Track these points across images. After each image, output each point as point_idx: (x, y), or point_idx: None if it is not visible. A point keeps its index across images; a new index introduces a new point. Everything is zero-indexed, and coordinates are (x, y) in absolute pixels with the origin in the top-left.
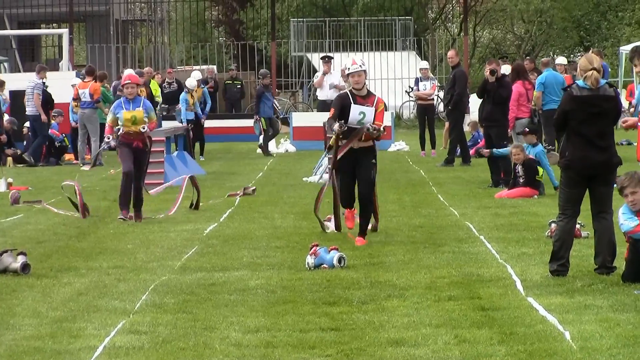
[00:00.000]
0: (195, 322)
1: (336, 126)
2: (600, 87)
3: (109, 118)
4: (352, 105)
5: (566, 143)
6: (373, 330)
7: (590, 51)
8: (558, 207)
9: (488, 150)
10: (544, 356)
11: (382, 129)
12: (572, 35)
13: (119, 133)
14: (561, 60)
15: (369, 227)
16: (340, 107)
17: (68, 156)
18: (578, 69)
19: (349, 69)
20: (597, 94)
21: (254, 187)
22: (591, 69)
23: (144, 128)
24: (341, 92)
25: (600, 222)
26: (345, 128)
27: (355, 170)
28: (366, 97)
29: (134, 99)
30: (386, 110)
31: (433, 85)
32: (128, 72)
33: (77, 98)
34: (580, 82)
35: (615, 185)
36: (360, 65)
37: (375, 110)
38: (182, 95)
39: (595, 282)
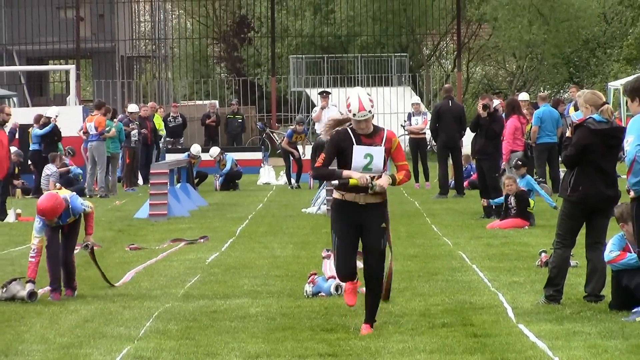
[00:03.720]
0: (198, 348)
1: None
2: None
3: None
4: (355, 147)
5: (579, 177)
6: (369, 355)
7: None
8: (556, 235)
9: (486, 201)
10: None
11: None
12: (562, 71)
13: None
14: (523, 96)
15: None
16: (338, 151)
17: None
18: (584, 104)
19: (355, 114)
20: (613, 126)
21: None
22: (603, 103)
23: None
24: (339, 128)
25: (594, 252)
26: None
27: (360, 234)
28: (373, 135)
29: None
30: None
31: (425, 119)
32: (41, 204)
33: (86, 132)
34: (596, 116)
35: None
36: (369, 111)
37: (390, 149)
38: None
39: (583, 309)
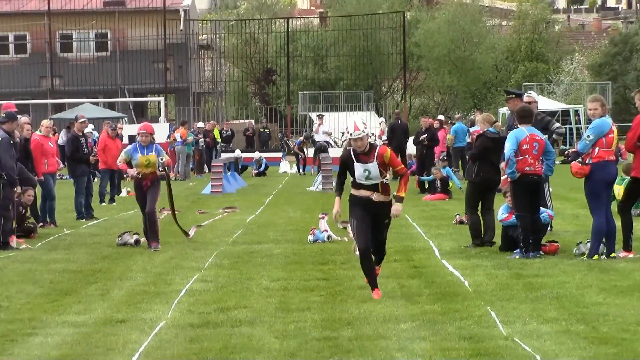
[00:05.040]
0: (242, 275)
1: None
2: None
3: (121, 157)
4: (355, 165)
5: (480, 167)
6: (348, 280)
7: (478, 112)
8: (466, 206)
9: (418, 177)
10: (452, 296)
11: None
12: (469, 101)
13: (135, 174)
14: (440, 117)
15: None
16: (346, 164)
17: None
18: (482, 122)
19: (351, 134)
20: (500, 136)
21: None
22: (495, 122)
23: (162, 159)
24: (344, 151)
25: (488, 214)
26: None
27: (371, 220)
28: (368, 154)
29: (147, 145)
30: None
31: (382, 130)
32: (144, 123)
33: (174, 139)
34: (491, 129)
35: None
36: (362, 131)
37: (383, 162)
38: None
39: (483, 251)
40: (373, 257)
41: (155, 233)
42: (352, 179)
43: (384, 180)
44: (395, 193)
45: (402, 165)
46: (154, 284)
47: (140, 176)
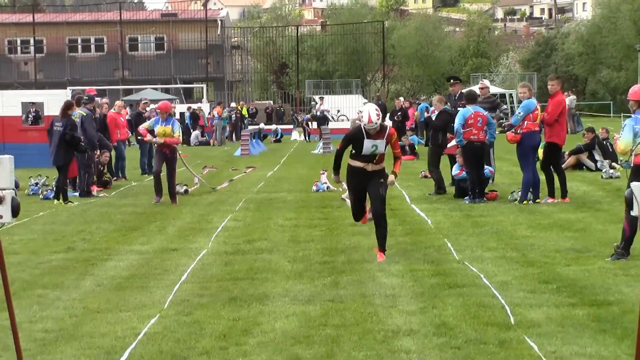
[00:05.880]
0: (263, 215)
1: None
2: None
3: (146, 124)
4: (365, 140)
5: (443, 135)
6: (342, 219)
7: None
8: (429, 165)
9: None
10: (419, 231)
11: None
12: (431, 87)
13: (152, 140)
14: (401, 100)
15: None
16: (353, 140)
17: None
18: (437, 102)
19: (365, 125)
20: (453, 112)
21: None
22: (446, 102)
23: (175, 132)
24: (356, 125)
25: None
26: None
27: (366, 188)
28: (379, 133)
29: (167, 119)
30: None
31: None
32: (163, 102)
33: (214, 116)
34: (447, 107)
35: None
36: (375, 122)
37: (390, 141)
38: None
39: (441, 199)
40: (377, 218)
41: (159, 188)
42: (352, 151)
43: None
44: (393, 169)
45: (399, 150)
46: (198, 222)
47: (161, 141)
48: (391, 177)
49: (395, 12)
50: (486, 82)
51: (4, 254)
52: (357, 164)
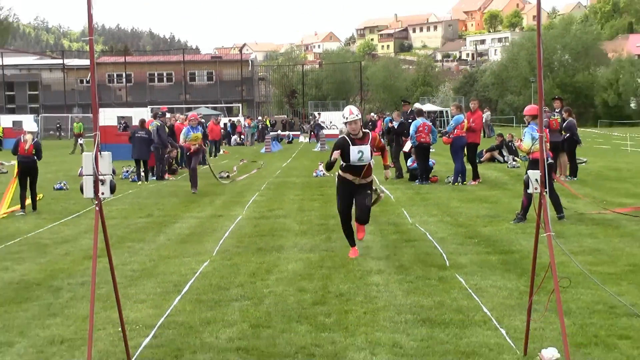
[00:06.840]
0: (277, 195)
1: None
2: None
3: (182, 139)
4: (351, 147)
5: (398, 139)
6: (334, 196)
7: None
8: (391, 158)
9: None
10: (385, 202)
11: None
12: (393, 107)
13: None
14: (373, 115)
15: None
16: (342, 147)
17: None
18: (396, 116)
19: (347, 118)
20: (407, 123)
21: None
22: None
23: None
24: (340, 136)
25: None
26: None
27: (353, 197)
28: (362, 138)
29: (195, 126)
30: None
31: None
32: (192, 113)
33: (246, 125)
34: (402, 120)
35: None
36: (356, 115)
37: (374, 145)
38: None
39: (400, 182)
40: (359, 221)
41: (195, 182)
42: (342, 164)
43: (371, 162)
44: (384, 163)
45: (383, 144)
46: (235, 197)
47: (196, 146)
48: (386, 173)
49: (369, 55)
50: (417, 105)
51: (105, 219)
52: (348, 176)
